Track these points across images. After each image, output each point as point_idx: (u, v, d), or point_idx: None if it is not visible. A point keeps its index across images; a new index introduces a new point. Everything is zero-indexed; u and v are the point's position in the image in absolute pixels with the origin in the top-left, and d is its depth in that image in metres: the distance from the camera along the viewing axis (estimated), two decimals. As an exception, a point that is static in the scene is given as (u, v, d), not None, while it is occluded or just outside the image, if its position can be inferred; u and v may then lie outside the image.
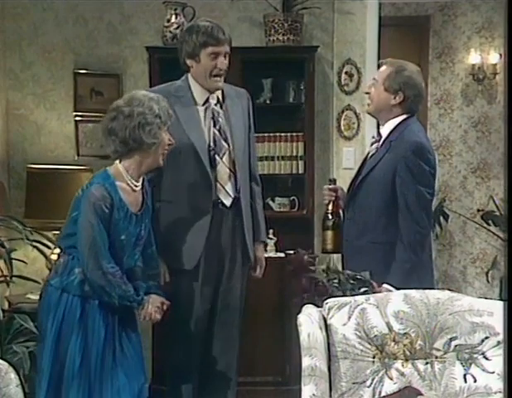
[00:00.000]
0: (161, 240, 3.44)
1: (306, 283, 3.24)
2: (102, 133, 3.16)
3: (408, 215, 3.34)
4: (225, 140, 3.56)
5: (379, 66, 3.59)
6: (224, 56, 3.49)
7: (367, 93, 3.57)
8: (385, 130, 3.50)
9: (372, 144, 3.58)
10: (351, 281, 3.02)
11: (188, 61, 3.50)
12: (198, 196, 3.50)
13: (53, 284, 3.13)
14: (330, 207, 3.60)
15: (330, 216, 3.59)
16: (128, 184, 3.13)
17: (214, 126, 3.54)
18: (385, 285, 3.28)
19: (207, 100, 3.55)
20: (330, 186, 3.64)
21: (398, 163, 3.37)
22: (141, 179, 3.19)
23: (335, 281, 3.16)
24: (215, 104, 3.57)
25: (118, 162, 3.16)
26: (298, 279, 3.27)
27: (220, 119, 3.56)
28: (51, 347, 3.08)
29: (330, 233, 3.58)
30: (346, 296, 3.02)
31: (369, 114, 3.67)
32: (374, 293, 3.08)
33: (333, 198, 3.61)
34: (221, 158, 3.54)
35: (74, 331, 3.08)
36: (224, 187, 3.55)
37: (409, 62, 3.55)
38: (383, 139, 3.49)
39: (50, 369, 3.08)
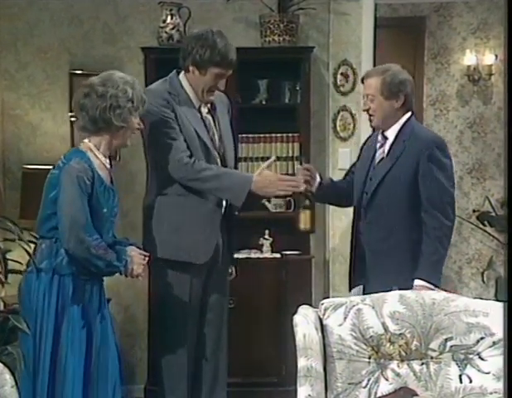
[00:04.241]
0: (167, 233, 3.47)
1: None
2: (73, 106, 3.21)
3: (435, 210, 3.39)
4: (215, 149, 3.57)
5: (362, 81, 3.61)
6: (226, 77, 3.53)
7: (366, 110, 3.57)
8: (391, 132, 3.53)
9: (378, 148, 3.58)
10: None
11: (191, 68, 3.50)
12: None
13: (43, 268, 3.12)
14: (304, 188, 3.59)
15: (305, 196, 3.57)
16: (100, 160, 3.18)
17: (208, 134, 3.56)
18: (417, 281, 3.34)
19: (200, 107, 3.57)
20: (305, 166, 3.65)
21: (420, 160, 3.43)
22: (108, 159, 3.23)
23: None
24: (207, 113, 3.59)
25: (86, 140, 3.19)
26: None
27: (211, 128, 3.59)
28: (51, 332, 3.07)
29: (307, 213, 3.57)
30: None
31: (375, 128, 3.64)
32: None
33: (308, 177, 3.62)
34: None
35: (69, 308, 3.09)
36: None
37: (388, 64, 3.61)
38: (391, 141, 3.51)
39: (50, 356, 3.07)
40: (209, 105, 3.61)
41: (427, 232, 3.39)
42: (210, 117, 3.60)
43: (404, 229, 3.46)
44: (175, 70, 3.58)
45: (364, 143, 3.83)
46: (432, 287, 3.34)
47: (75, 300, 3.10)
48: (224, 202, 3.57)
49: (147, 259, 3.26)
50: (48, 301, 3.09)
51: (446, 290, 3.19)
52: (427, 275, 3.36)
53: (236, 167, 3.83)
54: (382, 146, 3.57)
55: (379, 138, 3.60)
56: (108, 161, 3.22)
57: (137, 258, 3.21)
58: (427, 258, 3.38)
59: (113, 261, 3.12)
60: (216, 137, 3.60)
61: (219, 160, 3.56)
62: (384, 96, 3.48)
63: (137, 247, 3.29)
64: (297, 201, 3.63)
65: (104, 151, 3.20)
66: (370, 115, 3.55)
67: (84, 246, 3.04)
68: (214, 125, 3.61)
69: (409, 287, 3.26)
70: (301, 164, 3.67)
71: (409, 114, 3.55)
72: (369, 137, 3.83)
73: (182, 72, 3.55)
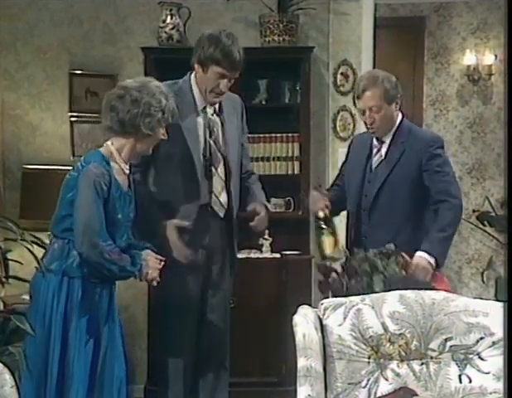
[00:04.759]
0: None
1: (334, 283, 3.27)
2: (104, 105, 3.19)
3: (448, 197, 3.43)
4: (220, 151, 3.56)
5: (358, 97, 3.54)
6: (230, 80, 3.47)
7: (371, 123, 3.52)
8: (387, 135, 3.53)
9: (375, 154, 3.57)
10: (379, 256, 3.05)
11: (196, 66, 3.49)
12: (184, 200, 3.49)
13: (53, 269, 3.11)
14: (323, 214, 3.55)
15: (324, 223, 3.55)
16: (119, 165, 3.17)
17: (210, 136, 3.54)
18: (418, 253, 3.35)
19: (205, 108, 3.55)
20: (324, 193, 3.64)
21: (422, 159, 3.47)
22: (129, 163, 3.23)
23: (365, 265, 3.16)
24: (212, 114, 3.56)
25: (109, 143, 3.19)
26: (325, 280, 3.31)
27: (216, 130, 3.56)
28: (59, 334, 3.07)
29: (331, 240, 3.54)
30: (383, 274, 3.12)
31: (380, 138, 3.58)
32: (406, 263, 3.11)
33: (327, 202, 3.58)
34: (216, 170, 3.54)
35: (77, 312, 3.09)
36: (218, 199, 3.56)
37: (371, 70, 3.63)
38: (387, 144, 3.52)
39: (59, 357, 3.06)
40: (216, 106, 3.58)
41: (440, 214, 3.41)
42: (215, 118, 3.57)
43: (408, 229, 3.48)
44: (189, 72, 3.57)
45: (351, 143, 3.83)
46: (433, 262, 3.36)
47: (84, 303, 3.10)
48: (224, 203, 3.57)
49: (162, 263, 3.25)
50: (57, 303, 3.09)
51: (445, 290, 3.20)
52: (432, 248, 3.37)
53: (241, 169, 3.78)
54: (379, 150, 3.58)
55: (375, 142, 3.60)
56: (127, 166, 3.20)
57: (152, 262, 3.21)
58: (435, 234, 3.40)
59: (127, 266, 3.12)
60: (220, 139, 3.57)
61: (222, 163, 3.55)
62: (388, 103, 3.50)
63: (153, 251, 3.27)
64: (315, 227, 3.61)
65: (126, 155, 3.18)
66: (372, 127, 3.52)
67: (97, 251, 3.04)
68: (222, 127, 3.58)
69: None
70: (316, 189, 3.63)
71: (401, 114, 3.58)
72: (356, 136, 3.84)
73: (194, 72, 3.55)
